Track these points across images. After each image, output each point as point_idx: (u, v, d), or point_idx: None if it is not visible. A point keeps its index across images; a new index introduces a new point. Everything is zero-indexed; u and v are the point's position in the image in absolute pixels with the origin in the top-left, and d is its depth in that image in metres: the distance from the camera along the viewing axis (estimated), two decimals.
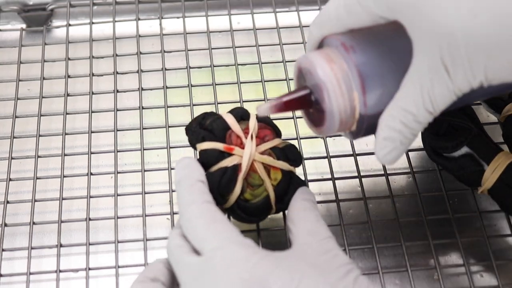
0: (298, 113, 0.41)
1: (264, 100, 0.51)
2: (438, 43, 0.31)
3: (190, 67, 0.54)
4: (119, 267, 0.44)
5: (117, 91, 0.53)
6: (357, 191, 0.48)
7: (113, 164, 0.49)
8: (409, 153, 0.49)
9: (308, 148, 0.50)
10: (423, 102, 0.33)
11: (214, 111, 0.48)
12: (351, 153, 0.49)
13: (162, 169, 0.49)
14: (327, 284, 0.34)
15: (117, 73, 0.54)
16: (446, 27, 0.31)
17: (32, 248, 0.45)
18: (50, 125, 0.52)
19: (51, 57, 0.56)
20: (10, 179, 0.48)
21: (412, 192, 0.49)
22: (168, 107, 0.52)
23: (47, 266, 0.45)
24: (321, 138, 0.50)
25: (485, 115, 0.52)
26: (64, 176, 0.48)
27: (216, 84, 0.53)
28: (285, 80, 0.53)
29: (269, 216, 0.42)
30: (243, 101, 0.51)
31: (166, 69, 0.54)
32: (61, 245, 0.46)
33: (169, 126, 0.50)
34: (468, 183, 0.45)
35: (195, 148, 0.42)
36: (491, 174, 0.43)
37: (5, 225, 0.46)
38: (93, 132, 0.51)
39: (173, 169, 0.47)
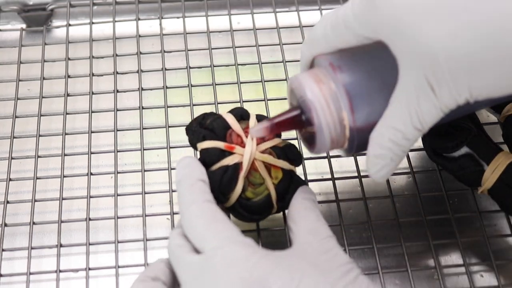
0: None
1: (264, 100, 0.51)
2: (422, 63, 0.32)
3: (190, 67, 0.54)
4: (119, 267, 0.44)
5: (117, 91, 0.53)
6: (357, 191, 0.48)
7: (113, 164, 0.49)
8: (409, 153, 0.49)
9: None
10: (410, 120, 0.33)
11: (214, 111, 0.48)
12: None
13: (162, 169, 0.49)
14: (327, 284, 0.34)
15: (117, 73, 0.54)
16: (428, 48, 0.31)
17: (32, 248, 0.45)
18: (50, 125, 0.52)
19: (51, 57, 0.56)
20: (10, 179, 0.48)
21: (412, 192, 0.49)
22: (168, 107, 0.52)
23: (47, 266, 0.45)
24: None
25: (485, 115, 0.52)
26: (64, 176, 0.48)
27: (216, 84, 0.53)
28: (285, 80, 0.53)
29: (269, 216, 0.42)
30: (243, 101, 0.51)
31: (166, 69, 0.54)
32: (61, 245, 0.46)
33: (169, 126, 0.50)
34: (468, 183, 0.45)
35: (195, 148, 0.42)
36: (491, 174, 0.43)
37: (5, 225, 0.46)
38: (93, 132, 0.51)
39: (173, 169, 0.47)
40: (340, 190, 0.47)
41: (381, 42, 0.34)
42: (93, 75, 0.54)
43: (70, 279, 0.45)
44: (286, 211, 0.41)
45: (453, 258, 0.47)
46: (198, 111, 0.45)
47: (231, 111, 0.42)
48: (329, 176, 0.48)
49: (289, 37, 0.57)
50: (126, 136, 0.52)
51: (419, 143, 0.48)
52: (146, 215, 0.46)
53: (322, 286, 0.34)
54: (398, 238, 0.45)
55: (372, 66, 0.36)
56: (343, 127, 0.36)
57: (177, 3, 0.59)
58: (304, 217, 0.39)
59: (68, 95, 0.53)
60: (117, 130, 0.51)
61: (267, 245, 0.39)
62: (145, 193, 0.47)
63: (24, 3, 0.60)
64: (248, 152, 0.40)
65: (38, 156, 0.49)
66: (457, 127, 0.44)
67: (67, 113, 0.52)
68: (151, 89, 0.53)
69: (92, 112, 0.52)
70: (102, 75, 0.55)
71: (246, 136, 0.41)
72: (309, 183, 0.46)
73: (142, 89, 0.53)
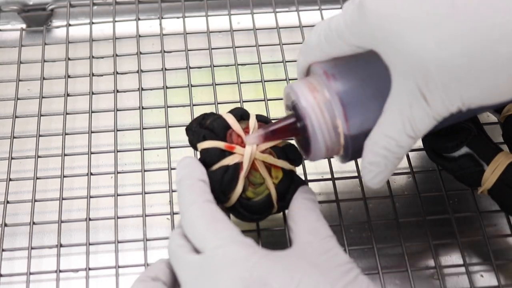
0: None
1: (264, 100, 0.51)
2: (413, 73, 0.32)
3: (190, 67, 0.54)
4: (119, 267, 0.44)
5: (117, 91, 0.53)
6: (357, 191, 0.48)
7: (113, 164, 0.49)
8: (409, 153, 0.49)
9: None
10: (404, 128, 0.34)
11: (214, 111, 0.48)
12: None
13: (162, 169, 0.49)
14: (327, 283, 0.34)
15: (117, 73, 0.54)
16: (418, 58, 0.32)
17: (32, 248, 0.45)
18: (50, 125, 0.52)
19: (51, 57, 0.56)
20: (10, 179, 0.48)
21: (412, 192, 0.49)
22: (168, 107, 0.52)
23: (47, 266, 0.45)
24: None
25: (485, 115, 0.52)
26: (64, 176, 0.48)
27: (216, 84, 0.53)
28: (285, 80, 0.53)
29: (269, 216, 0.42)
30: (243, 101, 0.51)
31: (166, 69, 0.54)
32: (61, 245, 0.46)
33: (169, 126, 0.50)
34: (468, 183, 0.45)
35: (195, 148, 0.42)
36: (491, 174, 0.43)
37: (5, 225, 0.46)
38: (93, 132, 0.51)
39: (173, 169, 0.48)
40: (340, 190, 0.47)
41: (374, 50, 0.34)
42: (93, 75, 0.54)
43: (70, 279, 0.45)
44: (286, 211, 0.41)
45: (453, 258, 0.47)
46: (198, 111, 0.45)
47: (231, 111, 0.42)
48: (329, 176, 0.48)
49: (289, 37, 0.57)
50: (126, 136, 0.52)
51: (419, 143, 0.48)
52: (146, 215, 0.46)
53: (322, 286, 0.34)
54: (398, 238, 0.45)
55: (366, 73, 0.37)
56: (337, 134, 0.37)
57: (177, 3, 0.59)
58: (305, 217, 0.39)
59: (68, 95, 0.53)
60: (117, 130, 0.51)
61: (267, 245, 0.39)
62: (145, 193, 0.47)
63: (24, 3, 0.60)
64: (248, 152, 0.40)
65: (38, 156, 0.49)
66: (457, 127, 0.44)
67: (67, 113, 0.52)
68: (151, 89, 0.53)
69: (92, 112, 0.52)
70: (102, 75, 0.55)
71: (246, 136, 0.41)
72: (309, 183, 0.46)
73: (142, 89, 0.53)
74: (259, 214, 0.41)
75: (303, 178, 0.46)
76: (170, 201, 0.47)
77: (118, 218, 0.46)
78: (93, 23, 0.58)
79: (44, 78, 0.54)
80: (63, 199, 0.47)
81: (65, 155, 0.49)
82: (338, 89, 0.36)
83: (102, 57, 0.56)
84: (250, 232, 0.44)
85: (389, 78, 0.34)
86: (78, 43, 0.57)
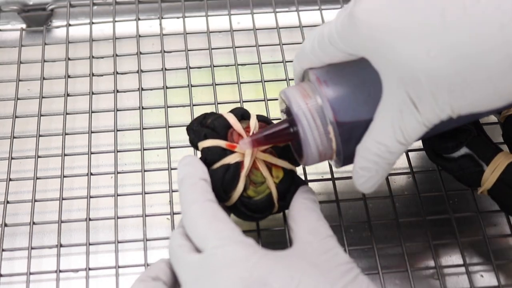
0: None
1: (264, 100, 0.51)
2: (404, 82, 0.32)
3: (190, 67, 0.54)
4: (119, 267, 0.44)
5: (117, 91, 0.53)
6: (357, 191, 0.47)
7: (113, 164, 0.49)
8: (409, 153, 0.49)
9: None
10: (394, 134, 0.34)
11: (214, 111, 0.48)
12: None
13: (162, 169, 0.49)
14: (327, 283, 0.34)
15: (117, 73, 0.54)
16: (408, 68, 0.32)
17: (32, 248, 0.45)
18: (50, 125, 0.52)
19: (51, 57, 0.56)
20: (10, 179, 0.48)
21: (412, 192, 0.49)
22: (168, 107, 0.52)
23: (47, 266, 0.45)
24: None
25: None
26: (64, 176, 0.48)
27: (216, 84, 0.53)
28: (285, 80, 0.53)
29: (269, 216, 0.42)
30: (243, 101, 0.51)
31: (166, 69, 0.54)
32: (61, 245, 0.46)
33: (169, 126, 0.50)
34: (468, 184, 0.45)
35: (196, 148, 0.42)
36: (491, 174, 0.43)
37: (5, 225, 0.46)
38: (93, 132, 0.51)
39: (173, 169, 0.48)
40: (340, 190, 0.47)
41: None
42: (93, 75, 0.54)
43: (70, 279, 0.45)
44: (287, 211, 0.41)
45: (453, 258, 0.47)
46: (198, 111, 0.45)
47: (232, 111, 0.42)
48: (329, 176, 0.48)
49: (289, 37, 0.57)
50: (126, 136, 0.52)
51: (419, 143, 0.48)
52: (146, 215, 0.46)
53: (322, 286, 0.34)
54: (398, 238, 0.45)
55: (358, 79, 0.37)
56: (329, 140, 0.37)
57: (177, 3, 0.59)
58: (305, 216, 0.39)
59: (68, 95, 0.53)
60: (117, 130, 0.51)
61: (267, 245, 0.39)
62: (145, 193, 0.47)
63: (24, 3, 0.60)
64: (249, 150, 0.40)
65: (38, 156, 0.49)
66: (456, 128, 0.44)
67: (67, 113, 0.52)
68: (151, 89, 0.53)
69: (92, 112, 0.52)
70: (102, 75, 0.55)
71: (247, 135, 0.41)
72: (309, 183, 0.46)
73: (142, 89, 0.53)
74: (260, 213, 0.41)
75: (303, 178, 0.46)
76: (170, 201, 0.47)
77: (118, 218, 0.46)
78: (93, 23, 0.58)
79: (44, 78, 0.54)
80: (63, 199, 0.47)
81: (65, 155, 0.49)
82: (330, 96, 0.37)
83: (102, 57, 0.56)
84: (250, 232, 0.44)
85: (381, 84, 0.34)
86: (78, 43, 0.57)
